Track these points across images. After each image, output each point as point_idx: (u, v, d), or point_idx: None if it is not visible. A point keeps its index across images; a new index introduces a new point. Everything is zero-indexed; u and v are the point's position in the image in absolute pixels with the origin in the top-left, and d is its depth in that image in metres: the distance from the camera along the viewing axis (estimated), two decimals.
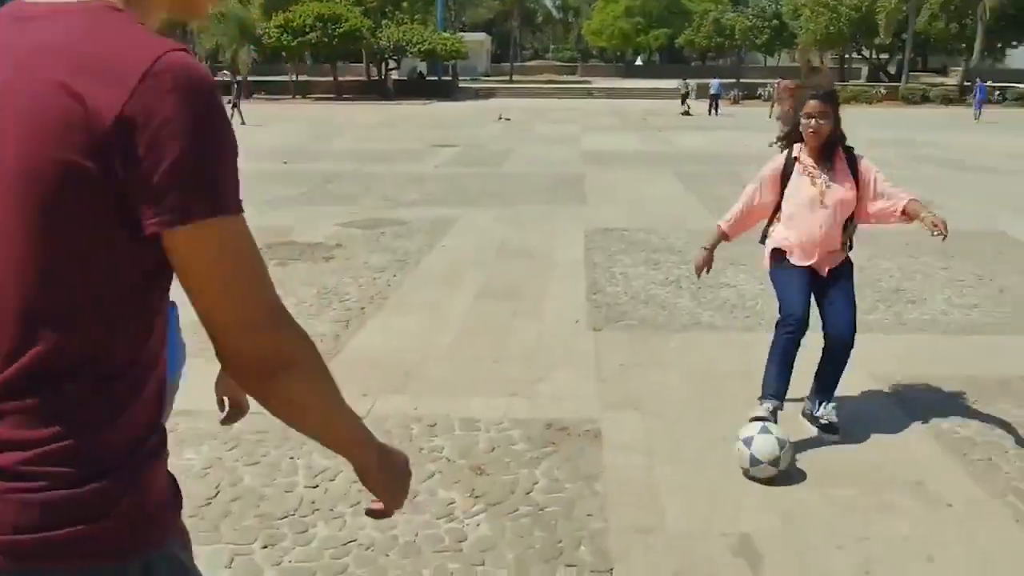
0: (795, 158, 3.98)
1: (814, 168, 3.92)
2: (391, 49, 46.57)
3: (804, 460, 3.72)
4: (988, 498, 3.44)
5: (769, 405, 3.84)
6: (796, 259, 3.94)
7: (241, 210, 1.02)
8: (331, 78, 47.73)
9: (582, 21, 79.24)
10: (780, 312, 3.92)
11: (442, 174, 14.34)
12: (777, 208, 4.06)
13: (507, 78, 60.21)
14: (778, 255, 4.02)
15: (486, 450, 3.86)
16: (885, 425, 4.15)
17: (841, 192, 3.88)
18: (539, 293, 6.62)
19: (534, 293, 6.61)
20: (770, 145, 4.19)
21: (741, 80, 47.65)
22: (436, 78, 51.13)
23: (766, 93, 34.48)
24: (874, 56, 57.56)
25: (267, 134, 22.61)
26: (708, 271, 4.23)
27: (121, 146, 0.93)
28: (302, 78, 50.49)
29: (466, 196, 11.76)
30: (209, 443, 3.95)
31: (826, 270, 3.95)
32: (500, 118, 29.08)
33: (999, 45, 49.80)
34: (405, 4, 51.74)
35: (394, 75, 51.46)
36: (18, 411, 0.99)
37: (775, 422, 3.75)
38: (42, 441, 0.99)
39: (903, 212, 3.84)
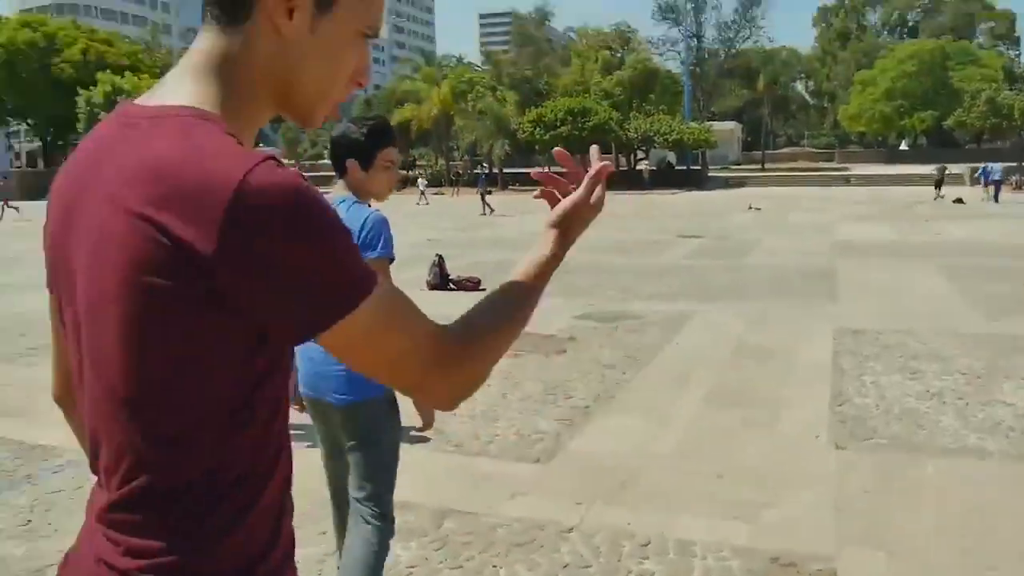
0: None
1: None
2: (639, 140, 47.32)
3: None
4: None
5: None
6: None
7: (374, 280, 0.99)
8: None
9: (838, 106, 76.17)
10: None
11: (683, 266, 14.04)
12: None
13: (759, 166, 58.91)
14: None
15: None
16: None
17: None
18: (775, 400, 6.11)
19: (770, 400, 6.12)
20: None
21: None
22: (685, 167, 51.10)
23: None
24: None
25: (513, 224, 23.51)
26: None
27: (225, 276, 0.91)
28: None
29: (706, 290, 11.38)
30: (418, 540, 3.92)
31: None
32: (750, 207, 28.38)
33: None
34: (652, 96, 52.58)
35: (644, 164, 52.17)
36: (134, 523, 1.00)
37: None
38: (156, 552, 0.98)
39: None
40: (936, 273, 12.54)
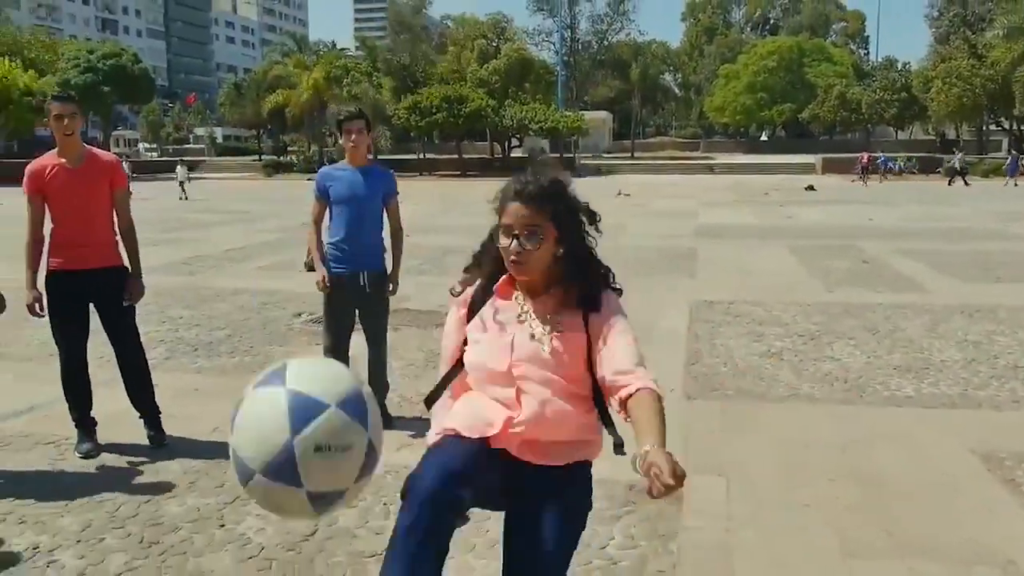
0: (494, 288, 2.34)
1: (523, 305, 2.32)
2: (514, 127, 48.07)
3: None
4: None
5: None
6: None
7: None
8: (455, 156, 49.57)
9: (704, 98, 79.44)
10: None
11: None
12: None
13: (629, 154, 60.85)
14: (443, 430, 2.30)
15: None
16: (985, 508, 4.03)
17: (562, 351, 2.25)
18: None
19: None
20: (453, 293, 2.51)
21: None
22: (558, 155, 52.25)
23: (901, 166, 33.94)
24: (1015, 127, 55.10)
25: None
26: None
27: None
28: (429, 156, 52.74)
29: None
30: None
31: (530, 458, 2.23)
32: (619, 193, 29.42)
33: None
34: (528, 85, 53.46)
35: (516, 153, 53.05)
36: None
37: None
38: None
39: (623, 405, 2.16)
40: (785, 252, 13.64)
